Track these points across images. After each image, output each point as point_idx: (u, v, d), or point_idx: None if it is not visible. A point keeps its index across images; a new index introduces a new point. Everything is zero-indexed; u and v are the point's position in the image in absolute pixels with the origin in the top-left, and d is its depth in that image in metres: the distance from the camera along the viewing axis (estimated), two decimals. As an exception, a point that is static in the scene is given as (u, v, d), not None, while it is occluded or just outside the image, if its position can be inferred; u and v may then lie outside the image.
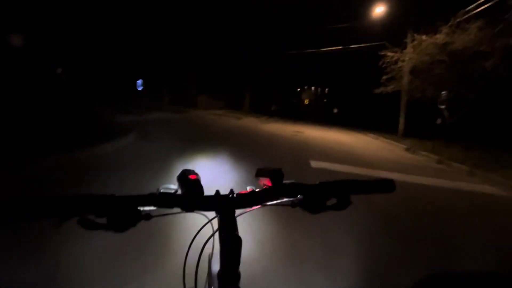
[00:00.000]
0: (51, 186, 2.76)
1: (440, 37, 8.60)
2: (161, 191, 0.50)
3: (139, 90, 18.62)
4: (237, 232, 0.48)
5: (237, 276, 0.46)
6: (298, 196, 0.55)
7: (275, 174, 0.55)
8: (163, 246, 1.88)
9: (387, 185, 0.58)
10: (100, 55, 14.36)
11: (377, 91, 11.51)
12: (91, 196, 0.44)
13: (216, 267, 0.63)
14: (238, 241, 0.46)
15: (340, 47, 15.00)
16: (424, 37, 9.24)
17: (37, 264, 1.58)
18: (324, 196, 0.54)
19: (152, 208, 0.47)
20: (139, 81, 18.67)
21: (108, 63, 15.18)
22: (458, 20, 8.23)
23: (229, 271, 0.46)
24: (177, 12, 14.85)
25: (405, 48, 10.54)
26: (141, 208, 0.46)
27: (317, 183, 0.55)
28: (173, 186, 0.51)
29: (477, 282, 0.56)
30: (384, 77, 11.02)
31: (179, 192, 0.50)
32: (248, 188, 0.55)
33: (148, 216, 0.47)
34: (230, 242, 0.46)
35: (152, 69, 16.52)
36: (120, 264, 1.65)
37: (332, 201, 0.54)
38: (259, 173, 0.59)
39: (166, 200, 0.48)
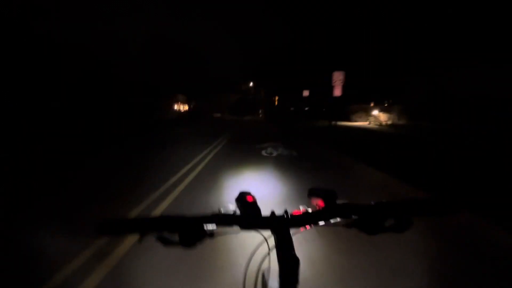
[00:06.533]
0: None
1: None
2: (222, 211, 0.55)
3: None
4: (294, 251, 0.49)
5: None
6: (353, 216, 0.53)
7: (328, 195, 0.55)
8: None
9: (451, 206, 0.52)
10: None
11: None
12: (166, 216, 0.51)
13: (273, 284, 0.65)
14: (296, 260, 0.47)
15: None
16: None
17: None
18: (381, 217, 0.52)
19: (214, 226, 0.52)
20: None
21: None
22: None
23: None
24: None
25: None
26: (206, 226, 0.52)
27: (372, 203, 0.53)
28: (231, 207, 0.56)
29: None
30: None
31: (238, 212, 0.55)
32: (301, 208, 0.56)
33: (211, 233, 0.52)
34: (288, 261, 0.47)
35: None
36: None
37: (391, 222, 0.51)
38: (312, 193, 0.59)
39: (227, 219, 0.52)
